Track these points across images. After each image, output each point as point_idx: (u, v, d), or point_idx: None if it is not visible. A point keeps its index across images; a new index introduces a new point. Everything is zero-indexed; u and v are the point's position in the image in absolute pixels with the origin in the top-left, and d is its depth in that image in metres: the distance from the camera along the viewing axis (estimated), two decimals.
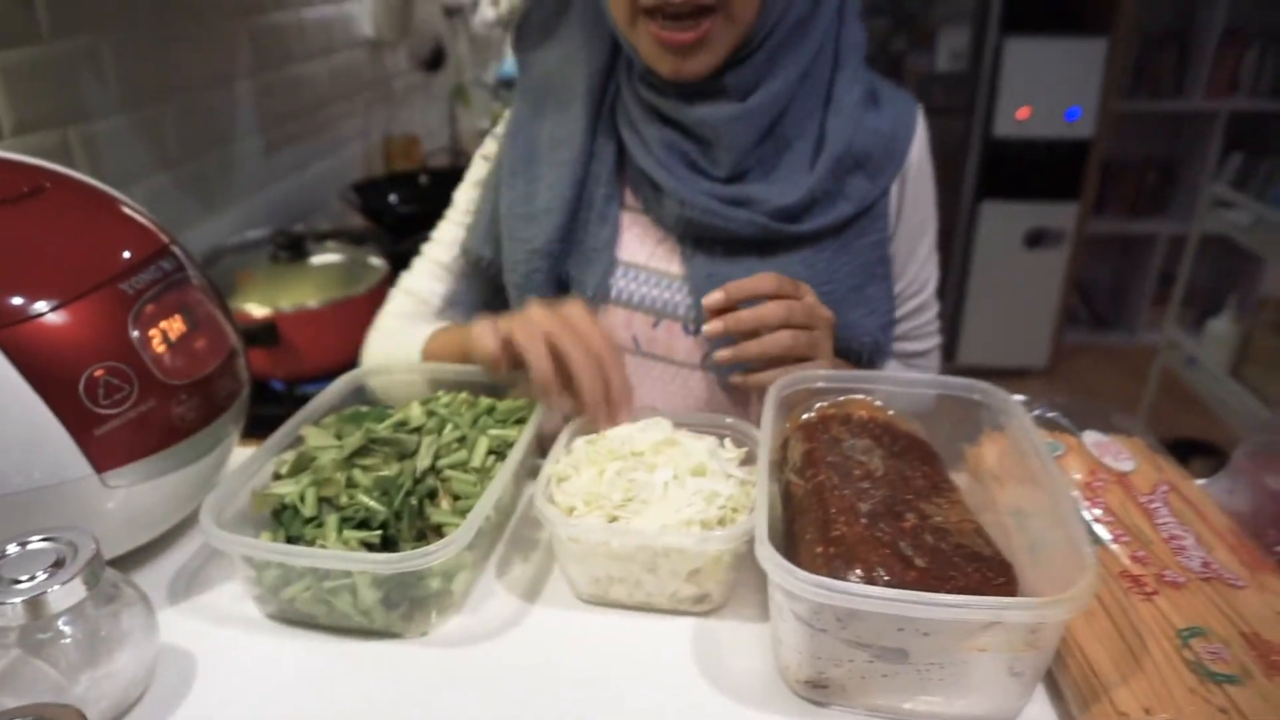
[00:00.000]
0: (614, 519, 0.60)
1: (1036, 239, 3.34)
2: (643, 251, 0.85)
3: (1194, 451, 2.41)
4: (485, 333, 0.70)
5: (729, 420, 0.71)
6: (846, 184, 0.81)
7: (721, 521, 0.60)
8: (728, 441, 0.69)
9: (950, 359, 3.61)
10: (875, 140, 0.81)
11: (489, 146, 0.93)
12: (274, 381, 1.46)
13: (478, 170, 0.93)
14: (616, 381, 0.69)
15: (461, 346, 0.79)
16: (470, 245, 0.89)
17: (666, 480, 0.62)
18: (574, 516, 0.61)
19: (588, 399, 0.68)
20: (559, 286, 0.85)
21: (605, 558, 0.60)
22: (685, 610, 0.62)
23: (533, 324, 0.68)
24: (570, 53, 0.84)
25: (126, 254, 0.61)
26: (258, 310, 1.37)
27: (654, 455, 0.65)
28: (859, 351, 0.84)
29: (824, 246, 0.82)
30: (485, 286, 0.93)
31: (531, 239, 0.83)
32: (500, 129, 0.92)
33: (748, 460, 0.68)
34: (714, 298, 0.71)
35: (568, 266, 0.84)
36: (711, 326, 0.71)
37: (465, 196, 0.94)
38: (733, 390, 0.84)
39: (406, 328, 0.90)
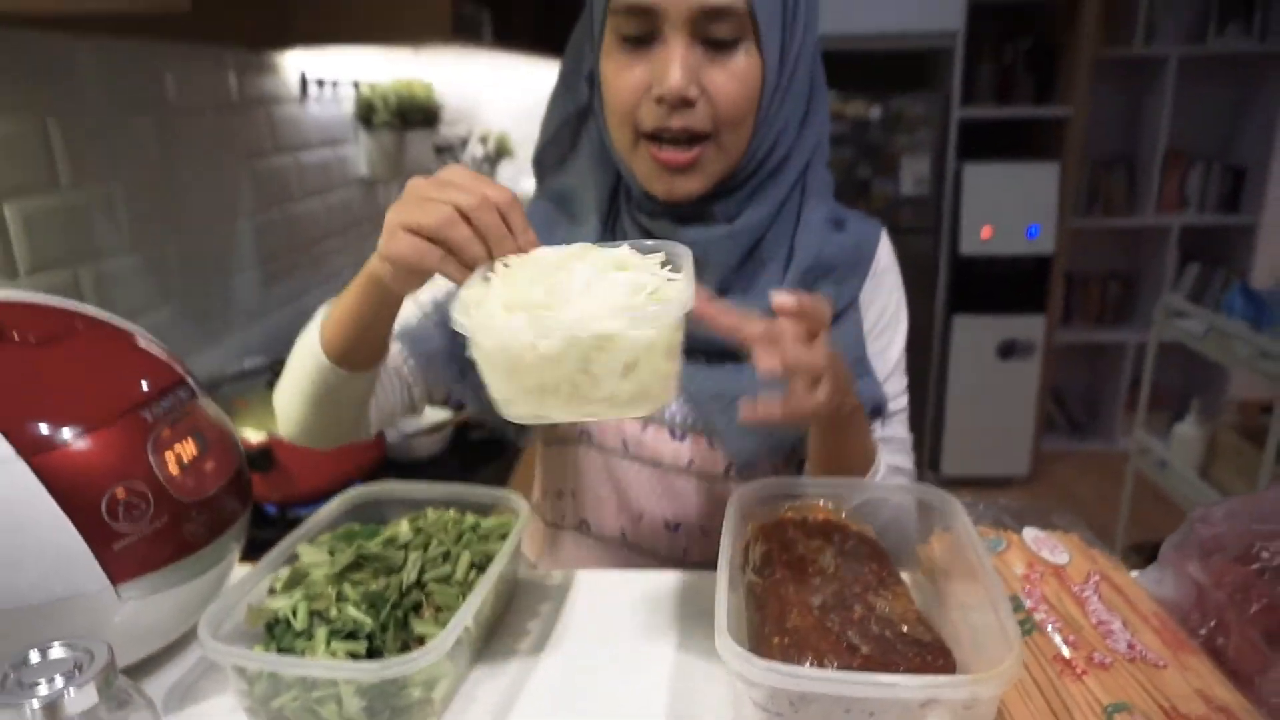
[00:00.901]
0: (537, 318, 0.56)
1: (1009, 350, 3.47)
2: None
3: None
4: (399, 241, 0.65)
5: (649, 243, 0.68)
6: (815, 291, 0.86)
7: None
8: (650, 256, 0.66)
9: (934, 470, 3.66)
10: (840, 252, 0.89)
11: None
12: (268, 505, 1.50)
13: None
14: (518, 221, 0.66)
15: (364, 289, 0.77)
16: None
17: (589, 277, 0.59)
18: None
19: (495, 247, 0.65)
20: None
21: (535, 364, 0.55)
22: (629, 413, 0.59)
23: (431, 204, 0.65)
24: (582, 176, 0.92)
25: (145, 385, 0.68)
26: (254, 436, 1.43)
27: (573, 261, 0.62)
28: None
29: None
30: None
31: None
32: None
33: (669, 266, 0.65)
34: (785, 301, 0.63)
35: None
36: (768, 365, 0.62)
37: None
38: (719, 491, 0.90)
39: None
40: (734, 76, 0.78)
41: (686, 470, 0.90)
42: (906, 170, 3.33)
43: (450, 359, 0.89)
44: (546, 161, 0.95)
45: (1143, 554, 2.60)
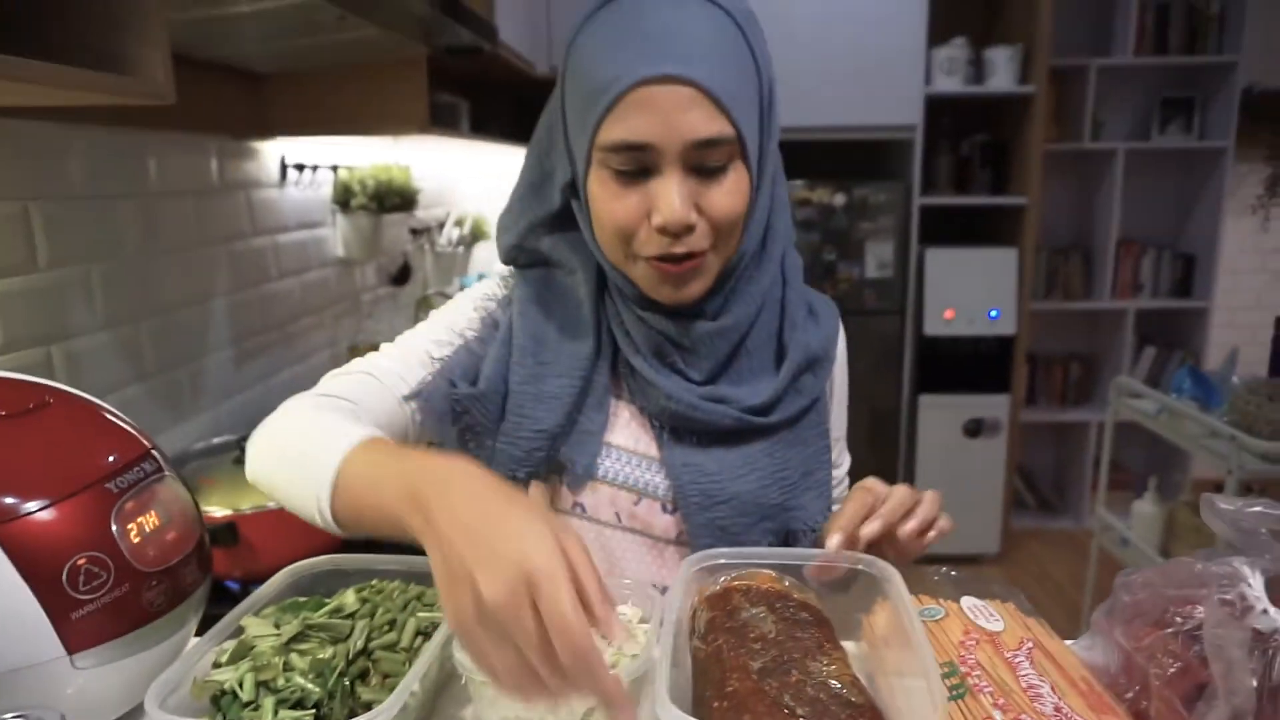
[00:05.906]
0: None
1: (975, 429, 3.52)
2: (629, 436, 0.94)
3: None
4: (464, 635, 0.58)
5: (627, 581, 0.79)
6: (800, 383, 0.93)
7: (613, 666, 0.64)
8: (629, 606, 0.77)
9: None
10: (819, 344, 0.95)
11: (491, 287, 0.99)
12: (230, 582, 1.50)
13: (482, 296, 0.98)
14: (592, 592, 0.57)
15: (385, 509, 0.66)
16: (471, 400, 0.91)
17: None
18: None
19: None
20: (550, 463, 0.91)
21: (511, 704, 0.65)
22: None
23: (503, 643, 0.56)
24: (565, 263, 0.92)
25: (112, 458, 0.70)
26: (219, 511, 1.43)
27: None
28: (807, 533, 0.92)
29: (781, 437, 0.93)
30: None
31: (541, 420, 0.89)
32: (501, 268, 0.99)
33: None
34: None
35: (561, 445, 0.91)
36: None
37: (467, 317, 0.96)
38: None
39: (339, 425, 0.76)
40: (728, 193, 0.80)
41: (676, 541, 0.93)
42: (871, 254, 3.44)
43: (453, 421, 0.90)
44: (520, 261, 0.97)
45: None
